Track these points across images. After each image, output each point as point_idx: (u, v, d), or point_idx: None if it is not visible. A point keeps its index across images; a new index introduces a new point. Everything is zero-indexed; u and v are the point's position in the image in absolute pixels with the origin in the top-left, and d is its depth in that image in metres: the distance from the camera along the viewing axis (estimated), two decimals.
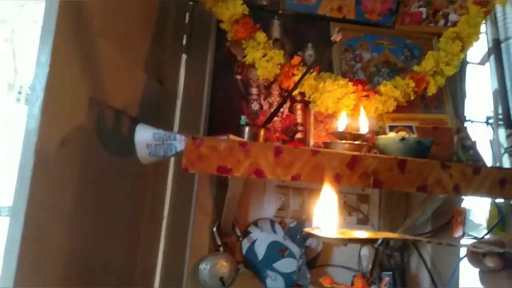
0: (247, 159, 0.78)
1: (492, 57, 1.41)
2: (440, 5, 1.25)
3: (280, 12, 1.19)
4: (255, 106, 1.13)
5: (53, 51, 0.64)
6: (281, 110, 1.12)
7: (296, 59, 1.09)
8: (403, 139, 0.89)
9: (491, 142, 1.43)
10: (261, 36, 1.08)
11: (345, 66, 1.19)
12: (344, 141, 0.90)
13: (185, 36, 1.25)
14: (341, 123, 0.97)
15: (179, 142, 0.78)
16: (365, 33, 1.23)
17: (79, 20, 0.73)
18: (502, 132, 1.42)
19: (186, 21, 1.26)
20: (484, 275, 0.35)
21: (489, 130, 1.45)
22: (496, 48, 1.41)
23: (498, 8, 1.40)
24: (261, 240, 1.14)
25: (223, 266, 1.07)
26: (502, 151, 1.40)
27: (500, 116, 1.42)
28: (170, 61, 1.21)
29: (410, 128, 1.09)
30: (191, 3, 1.19)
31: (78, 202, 0.75)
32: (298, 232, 1.16)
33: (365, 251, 1.17)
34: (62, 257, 0.72)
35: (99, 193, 0.85)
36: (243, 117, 0.95)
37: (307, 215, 1.16)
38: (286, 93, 1.11)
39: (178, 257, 1.13)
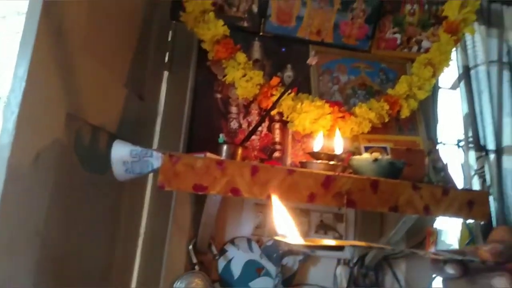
0: (223, 177, 0.79)
1: (462, 83, 1.47)
2: (414, 32, 1.31)
3: (260, 33, 1.22)
4: (234, 124, 1.15)
5: (31, 66, 0.64)
6: (260, 129, 1.14)
7: (275, 80, 1.12)
8: (376, 160, 0.91)
9: (462, 164, 1.48)
10: (241, 57, 1.10)
11: (323, 88, 1.22)
12: (319, 161, 0.93)
13: (167, 54, 1.27)
14: (317, 144, 0.99)
15: (156, 159, 0.79)
16: (342, 56, 1.27)
17: (60, 35, 0.73)
18: (472, 155, 1.47)
19: (169, 39, 1.28)
20: (446, 282, 0.36)
21: (460, 153, 1.51)
22: (466, 74, 1.48)
23: (468, 37, 1.48)
24: (237, 259, 1.14)
25: (198, 285, 1.06)
26: (472, 173, 1.45)
27: (470, 139, 1.48)
28: (152, 77, 1.22)
29: (384, 149, 1.12)
30: (174, 22, 1.21)
31: (50, 219, 0.74)
32: (275, 250, 1.16)
33: (341, 270, 1.18)
34: (32, 275, 0.70)
35: (73, 209, 0.84)
36: (221, 135, 0.96)
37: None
38: (265, 112, 1.13)
39: (154, 275, 1.12)
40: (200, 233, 1.07)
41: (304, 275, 1.20)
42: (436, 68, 1.22)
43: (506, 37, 1.53)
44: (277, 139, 1.16)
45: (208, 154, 0.84)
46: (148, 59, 1.20)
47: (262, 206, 1.17)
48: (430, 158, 1.14)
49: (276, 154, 1.15)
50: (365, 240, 1.24)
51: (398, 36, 1.31)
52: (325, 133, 1.08)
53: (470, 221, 1.33)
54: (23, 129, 0.63)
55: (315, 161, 0.93)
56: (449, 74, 1.49)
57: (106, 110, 0.97)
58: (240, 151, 0.94)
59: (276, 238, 0.36)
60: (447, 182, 1.12)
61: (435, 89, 1.38)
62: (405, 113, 1.19)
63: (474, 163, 1.46)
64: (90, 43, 0.84)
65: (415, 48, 1.31)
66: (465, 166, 1.47)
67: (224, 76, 1.13)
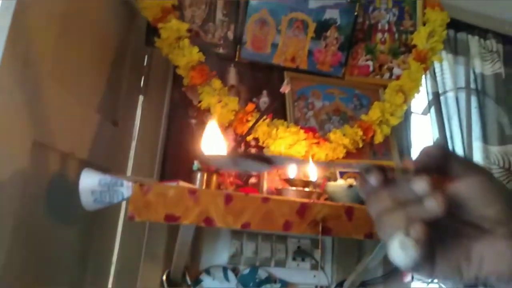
0: (196, 207, 0.77)
1: (433, 108, 1.52)
2: (385, 59, 1.36)
3: (236, 60, 1.23)
4: None
5: None
6: None
7: (250, 106, 1.12)
8: (350, 186, 0.92)
9: None
10: (217, 83, 1.11)
11: (297, 113, 1.23)
12: (294, 188, 0.92)
13: (142, 78, 1.26)
14: (293, 170, 0.99)
15: (126, 189, 0.76)
16: (317, 82, 1.30)
17: (26, 62, 0.71)
18: None
19: (145, 63, 1.27)
20: (368, 197, 0.34)
21: None
22: (436, 100, 1.52)
23: (437, 64, 1.54)
24: None
25: None
26: None
27: None
28: (127, 102, 1.20)
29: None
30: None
31: (13, 252, 0.70)
32: (251, 279, 1.13)
33: None
34: None
35: (39, 241, 0.80)
36: (196, 162, 0.94)
37: (261, 261, 1.15)
38: (240, 138, 1.13)
39: None
40: (174, 263, 1.04)
41: None
42: (407, 95, 1.25)
43: (472, 65, 1.60)
44: None
45: (181, 183, 0.82)
46: (123, 83, 1.19)
47: (238, 234, 1.15)
48: None
49: (252, 180, 1.14)
50: (343, 266, 1.24)
51: (370, 63, 1.35)
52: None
53: None
54: None
55: (290, 188, 0.93)
56: (421, 99, 1.53)
57: (76, 137, 0.94)
58: (214, 178, 0.92)
59: (207, 155, 0.34)
60: None
61: (407, 114, 1.42)
62: (378, 138, 1.21)
63: None
64: (58, 70, 0.83)
65: (387, 75, 1.35)
66: None
67: (200, 101, 1.13)
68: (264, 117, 1.08)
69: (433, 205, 0.29)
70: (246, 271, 1.14)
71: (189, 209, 0.77)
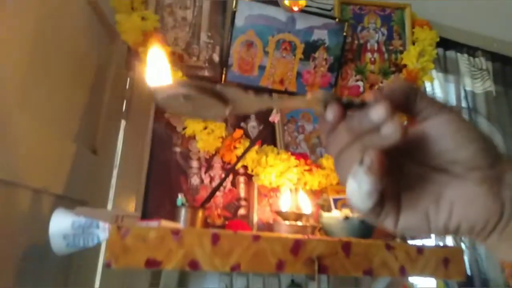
0: (180, 249, 0.70)
1: None
2: (375, 79, 1.32)
3: (222, 83, 1.18)
4: (195, 180, 1.06)
5: None
6: (224, 184, 1.06)
7: (238, 133, 1.07)
8: (346, 218, 0.86)
9: None
10: None
11: (288, 138, 1.18)
12: (287, 222, 0.86)
13: (124, 102, 1.20)
14: (285, 202, 0.93)
15: (102, 231, 0.69)
16: None
17: None
18: None
19: (127, 87, 1.21)
20: (327, 136, 0.29)
21: None
22: None
23: (427, 84, 1.51)
24: None
25: None
26: None
27: None
28: (107, 127, 1.13)
29: None
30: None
31: None
32: None
33: None
34: None
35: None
36: (180, 195, 0.88)
37: None
38: (228, 166, 1.06)
39: None
40: None
41: None
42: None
43: (463, 83, 1.58)
44: (242, 194, 1.09)
45: (163, 222, 0.75)
46: (103, 108, 1.12)
47: (227, 275, 1.07)
48: None
49: (242, 211, 1.07)
50: None
51: (360, 83, 1.31)
52: (292, 187, 1.02)
53: None
54: None
55: (283, 222, 0.86)
56: None
57: (50, 170, 0.86)
58: (200, 214, 0.85)
59: (152, 86, 0.28)
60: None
61: None
62: None
63: None
64: (29, 99, 0.76)
65: None
66: None
67: (184, 128, 1.06)
68: (253, 146, 1.02)
69: (390, 130, 0.24)
70: None
71: (172, 252, 0.70)
